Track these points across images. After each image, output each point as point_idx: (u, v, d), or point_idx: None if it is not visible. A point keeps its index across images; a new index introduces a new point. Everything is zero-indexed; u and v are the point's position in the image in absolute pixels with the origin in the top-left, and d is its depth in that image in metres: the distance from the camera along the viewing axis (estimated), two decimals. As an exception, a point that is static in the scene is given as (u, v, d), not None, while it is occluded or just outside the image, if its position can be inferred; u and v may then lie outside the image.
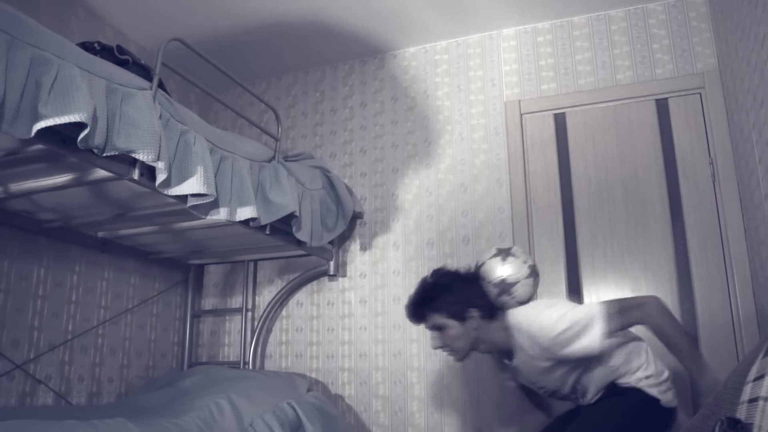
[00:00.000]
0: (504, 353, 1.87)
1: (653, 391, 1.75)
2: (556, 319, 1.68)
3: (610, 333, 1.66)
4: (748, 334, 2.28)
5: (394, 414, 2.74)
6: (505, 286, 1.84)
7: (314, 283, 3.04)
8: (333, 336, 2.95)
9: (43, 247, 2.39)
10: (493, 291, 1.85)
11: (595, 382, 1.81)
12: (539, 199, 2.72)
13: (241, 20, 2.88)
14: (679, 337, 1.67)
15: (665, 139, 2.61)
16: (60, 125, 1.44)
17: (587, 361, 1.75)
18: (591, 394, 1.84)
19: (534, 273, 1.91)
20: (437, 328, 1.84)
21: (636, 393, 1.75)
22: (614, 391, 1.80)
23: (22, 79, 1.39)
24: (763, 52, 1.86)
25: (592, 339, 1.65)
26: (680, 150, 2.57)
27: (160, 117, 1.77)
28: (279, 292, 3.02)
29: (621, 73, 2.75)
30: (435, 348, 1.89)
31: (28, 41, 1.42)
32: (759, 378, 1.04)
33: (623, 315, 1.69)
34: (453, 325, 1.81)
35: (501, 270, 1.85)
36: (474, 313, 1.81)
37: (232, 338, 3.15)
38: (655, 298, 1.72)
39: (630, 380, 1.77)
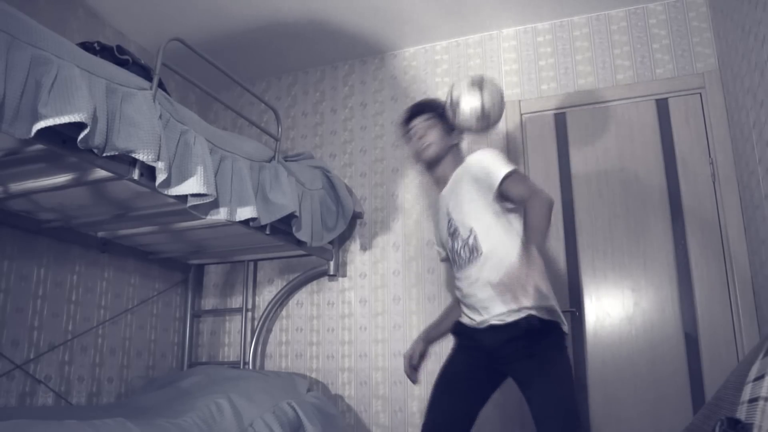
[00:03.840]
0: (441, 180, 2.06)
1: (564, 327, 1.80)
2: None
3: (508, 192, 1.82)
4: (748, 334, 2.28)
5: (394, 414, 2.74)
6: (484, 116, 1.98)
7: (314, 283, 3.04)
8: (333, 336, 2.95)
9: (43, 247, 2.39)
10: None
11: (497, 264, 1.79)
12: (539, 199, 2.72)
13: (241, 20, 2.88)
14: (538, 234, 1.68)
15: (665, 139, 2.61)
16: (60, 125, 1.45)
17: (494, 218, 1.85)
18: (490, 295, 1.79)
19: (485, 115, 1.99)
20: (429, 127, 2.06)
21: (551, 332, 1.78)
22: (532, 337, 1.75)
23: (22, 79, 1.39)
24: (763, 52, 1.86)
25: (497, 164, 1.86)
26: (680, 150, 2.57)
27: (160, 117, 1.77)
28: (279, 292, 3.02)
29: (621, 73, 2.75)
30: (419, 142, 2.04)
31: (28, 41, 1.42)
32: (759, 378, 1.04)
33: (521, 184, 1.81)
34: (441, 127, 2.05)
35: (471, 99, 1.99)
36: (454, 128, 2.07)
37: (232, 338, 3.15)
38: (549, 198, 1.76)
39: (543, 308, 1.75)
